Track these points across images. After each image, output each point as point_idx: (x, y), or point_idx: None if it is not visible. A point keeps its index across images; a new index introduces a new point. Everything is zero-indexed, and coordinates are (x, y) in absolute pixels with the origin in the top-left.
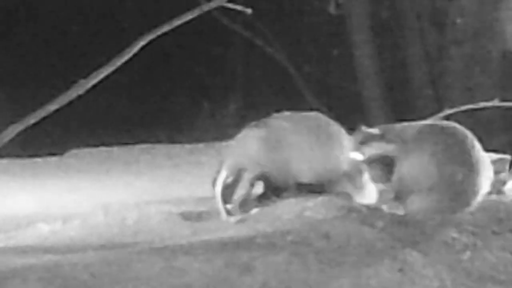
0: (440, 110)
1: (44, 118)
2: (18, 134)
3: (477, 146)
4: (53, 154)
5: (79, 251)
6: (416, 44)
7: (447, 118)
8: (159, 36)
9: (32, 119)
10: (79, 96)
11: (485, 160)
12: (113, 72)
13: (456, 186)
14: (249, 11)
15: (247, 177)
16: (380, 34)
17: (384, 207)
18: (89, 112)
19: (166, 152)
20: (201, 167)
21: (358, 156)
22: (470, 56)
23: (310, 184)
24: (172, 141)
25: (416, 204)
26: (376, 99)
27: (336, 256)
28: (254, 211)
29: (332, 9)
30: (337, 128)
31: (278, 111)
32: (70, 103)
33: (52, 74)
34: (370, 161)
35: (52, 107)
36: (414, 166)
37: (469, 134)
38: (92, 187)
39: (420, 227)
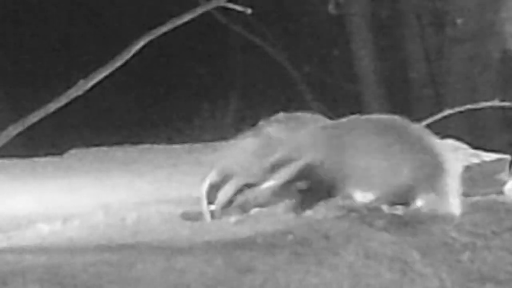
0: (440, 110)
1: (44, 118)
2: (18, 134)
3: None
4: (53, 154)
5: (79, 251)
6: (416, 44)
7: (447, 118)
8: (158, 36)
9: (32, 119)
10: (79, 96)
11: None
12: (113, 72)
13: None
14: (249, 11)
15: (233, 183)
16: (380, 34)
17: (384, 208)
18: (89, 112)
19: (166, 152)
20: (200, 167)
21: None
22: (470, 56)
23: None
24: (172, 141)
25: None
26: (376, 99)
27: (336, 256)
28: (253, 211)
29: (332, 9)
30: None
31: (277, 111)
32: (70, 103)
33: (52, 74)
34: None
35: (52, 107)
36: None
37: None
38: (92, 187)
39: (420, 227)
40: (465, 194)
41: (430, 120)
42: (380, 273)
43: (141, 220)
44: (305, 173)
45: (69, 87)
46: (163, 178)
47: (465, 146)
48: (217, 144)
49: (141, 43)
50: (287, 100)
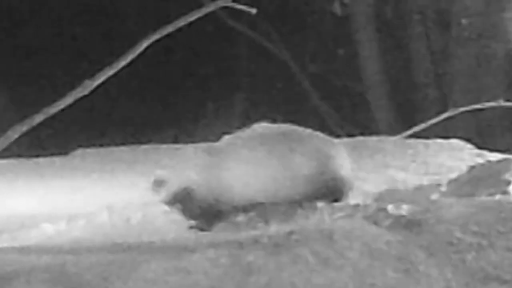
0: (445, 110)
1: (49, 118)
2: (23, 134)
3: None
4: (58, 154)
5: (84, 251)
6: (422, 44)
7: (452, 118)
8: (163, 36)
9: (37, 119)
10: (84, 96)
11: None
12: (118, 72)
13: None
14: (254, 11)
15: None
16: (385, 34)
17: (389, 207)
18: (94, 112)
19: (171, 152)
20: None
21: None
22: (475, 57)
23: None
24: (177, 141)
25: None
26: (381, 99)
27: (340, 256)
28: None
29: (337, 9)
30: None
31: (282, 111)
32: (75, 103)
33: (57, 75)
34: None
35: (57, 106)
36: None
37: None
38: (96, 187)
39: (424, 227)
40: (470, 194)
41: (435, 120)
42: (385, 273)
43: (146, 220)
44: (178, 197)
45: (74, 87)
46: None
47: (470, 146)
48: None
49: (146, 43)
50: (292, 100)
